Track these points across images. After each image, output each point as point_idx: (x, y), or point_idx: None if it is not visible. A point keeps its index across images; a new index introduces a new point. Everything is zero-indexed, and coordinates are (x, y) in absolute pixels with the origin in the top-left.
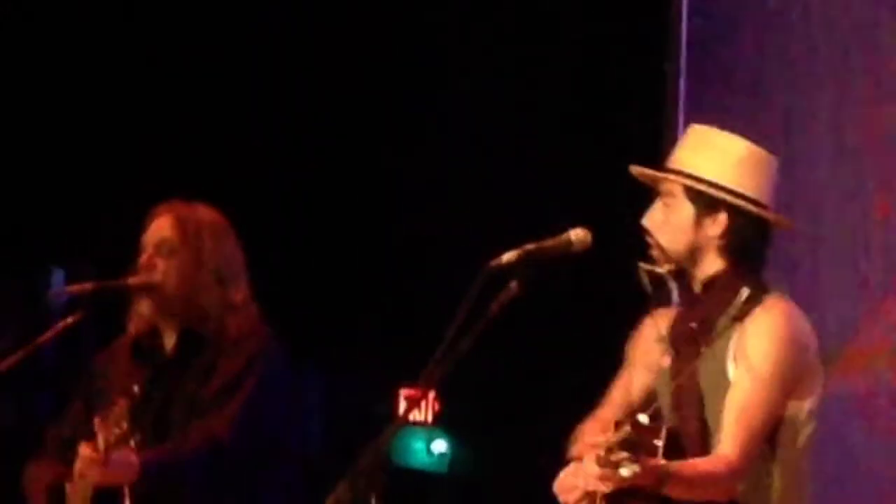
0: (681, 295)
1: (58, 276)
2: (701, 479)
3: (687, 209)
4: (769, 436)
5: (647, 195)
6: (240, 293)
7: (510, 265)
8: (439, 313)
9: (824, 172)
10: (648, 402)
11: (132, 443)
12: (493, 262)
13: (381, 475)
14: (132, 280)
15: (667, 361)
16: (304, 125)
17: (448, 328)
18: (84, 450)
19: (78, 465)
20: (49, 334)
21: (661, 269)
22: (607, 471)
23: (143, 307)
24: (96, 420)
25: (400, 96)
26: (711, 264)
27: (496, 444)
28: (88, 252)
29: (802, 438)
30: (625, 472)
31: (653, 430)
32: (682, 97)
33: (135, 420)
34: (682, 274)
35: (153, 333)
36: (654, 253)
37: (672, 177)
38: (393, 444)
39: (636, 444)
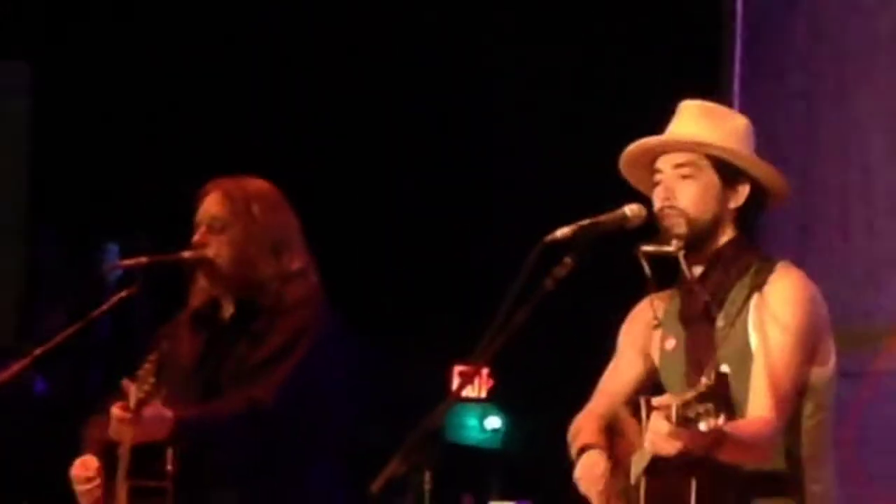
0: (686, 273)
1: (112, 250)
2: (748, 440)
3: (714, 180)
4: (797, 400)
5: None
6: (296, 261)
7: (565, 240)
8: (494, 289)
9: (879, 140)
10: (646, 387)
11: (159, 400)
12: (549, 237)
13: (435, 450)
14: (186, 254)
15: (671, 343)
16: (362, 98)
17: (502, 304)
18: (115, 409)
19: (111, 426)
20: (103, 308)
21: (670, 248)
22: (680, 429)
23: (202, 281)
24: (126, 380)
25: (452, 64)
26: (724, 235)
27: (550, 420)
28: (143, 226)
29: (826, 405)
30: (703, 425)
31: (724, 407)
32: (738, 68)
33: (188, 384)
34: (693, 249)
35: (213, 304)
36: (672, 225)
37: (689, 150)
38: (447, 421)
39: (718, 396)
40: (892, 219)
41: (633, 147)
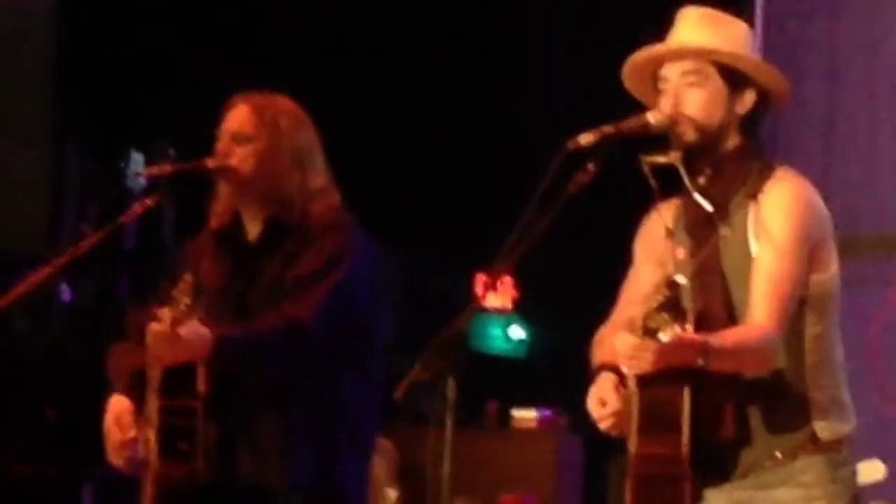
0: (689, 181)
1: (137, 158)
2: (743, 347)
3: (720, 86)
4: (797, 309)
5: None
6: (319, 179)
7: (588, 146)
8: (518, 196)
9: None
10: (670, 294)
11: (194, 317)
12: (571, 143)
13: (459, 358)
14: (210, 162)
15: (681, 252)
16: (388, 11)
17: (525, 211)
18: (153, 326)
19: (149, 341)
20: (128, 216)
21: (668, 158)
22: (646, 340)
23: (224, 192)
24: (164, 297)
25: None
26: (731, 140)
27: (574, 330)
28: (168, 135)
29: (829, 313)
30: (664, 336)
31: (681, 316)
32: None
33: (216, 305)
34: (694, 154)
35: (237, 222)
36: (688, 135)
37: (711, 55)
38: (471, 330)
39: (676, 305)
40: None
41: (638, 56)
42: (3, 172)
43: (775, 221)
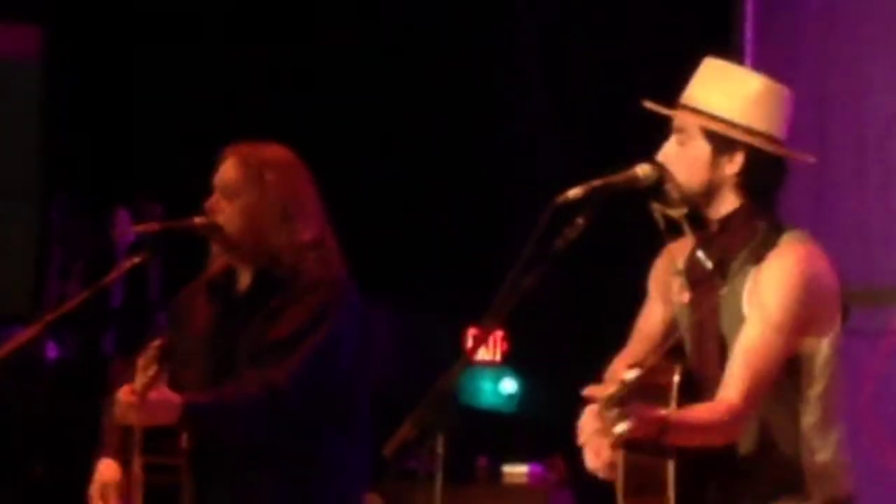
0: (696, 234)
1: (124, 216)
2: (702, 427)
3: (703, 148)
4: (782, 377)
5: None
6: (309, 231)
7: (577, 200)
8: (507, 251)
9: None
10: (668, 334)
11: (162, 383)
12: (560, 198)
13: (448, 414)
14: (197, 220)
15: (686, 297)
16: (380, 64)
17: (515, 266)
18: (120, 394)
19: (118, 409)
20: (115, 274)
21: (673, 213)
22: (605, 427)
23: (215, 248)
24: (137, 362)
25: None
26: (727, 202)
27: (565, 383)
28: (155, 193)
29: (825, 376)
30: (618, 429)
31: (669, 368)
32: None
33: (202, 355)
34: (695, 215)
35: (229, 274)
36: (669, 189)
37: (687, 115)
38: (462, 385)
39: (625, 400)
40: None
41: (646, 105)
42: None
43: (768, 295)
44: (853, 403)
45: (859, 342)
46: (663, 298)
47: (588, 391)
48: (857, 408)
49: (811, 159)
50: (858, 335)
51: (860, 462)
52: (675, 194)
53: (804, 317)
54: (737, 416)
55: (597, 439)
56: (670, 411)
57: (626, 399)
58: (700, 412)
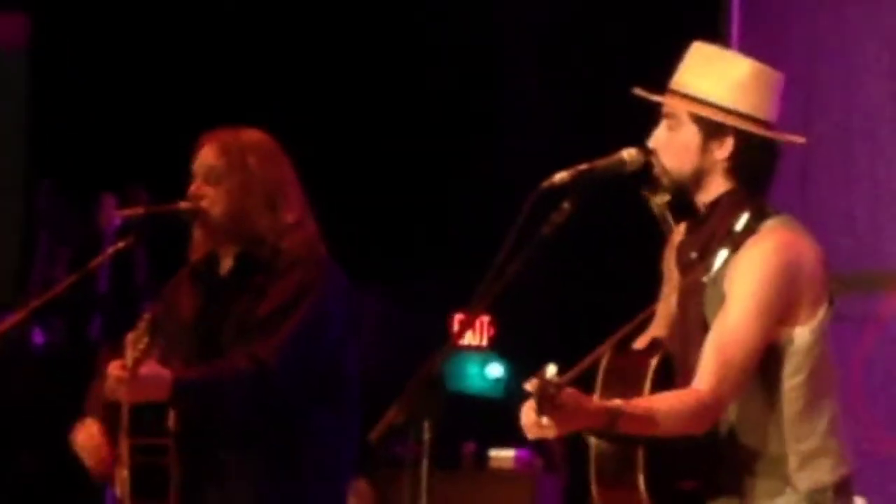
0: (682, 221)
1: (110, 201)
2: (663, 415)
3: (692, 133)
4: (764, 363)
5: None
6: (292, 214)
7: (563, 185)
8: (493, 236)
9: (881, 89)
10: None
11: (154, 359)
12: (546, 183)
13: (435, 399)
14: (182, 205)
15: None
16: (362, 47)
17: (501, 251)
18: (111, 368)
19: (108, 385)
20: (100, 259)
21: (657, 200)
22: (537, 422)
23: (198, 232)
24: (127, 338)
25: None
26: (717, 187)
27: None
28: (140, 178)
29: (806, 365)
30: (545, 429)
31: (648, 354)
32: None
33: (189, 341)
34: (683, 201)
35: (211, 258)
36: (659, 174)
37: (677, 101)
38: (448, 370)
39: (542, 399)
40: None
41: (635, 91)
42: None
43: (743, 282)
44: (841, 389)
45: (846, 328)
46: (671, 283)
47: (528, 385)
48: (844, 394)
49: (800, 140)
50: (845, 321)
51: (849, 448)
52: (664, 180)
53: (780, 305)
54: (706, 406)
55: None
56: (623, 401)
57: (541, 399)
58: (665, 399)
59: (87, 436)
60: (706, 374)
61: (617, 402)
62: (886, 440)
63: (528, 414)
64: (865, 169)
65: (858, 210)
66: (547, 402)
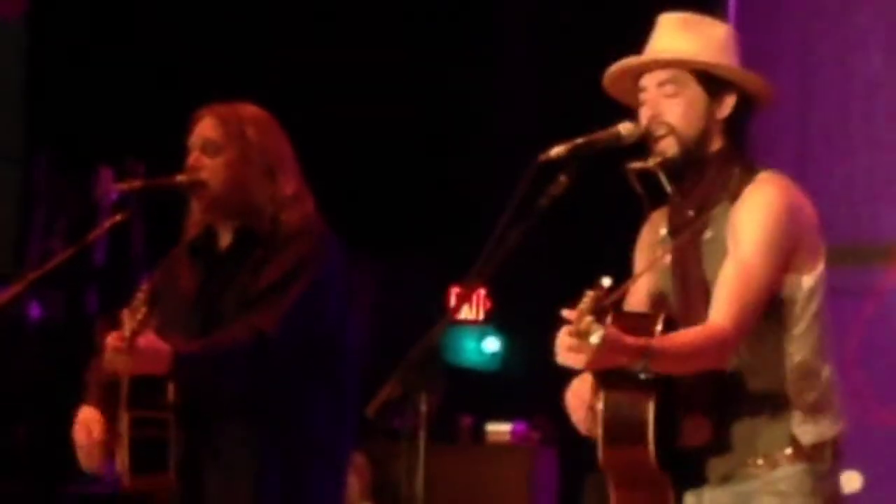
0: (673, 187)
1: (107, 174)
2: (689, 350)
3: (698, 93)
4: (767, 310)
5: None
6: (290, 186)
7: (560, 158)
8: (491, 209)
9: (878, 61)
10: (656, 304)
11: (152, 330)
12: (543, 156)
13: (432, 372)
14: (180, 177)
15: (668, 259)
16: (363, 27)
17: (498, 224)
18: (109, 339)
19: (106, 354)
20: (97, 232)
21: (649, 164)
22: (578, 341)
23: (196, 207)
24: (124, 310)
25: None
26: (713, 145)
27: (549, 342)
28: (138, 151)
29: (808, 314)
30: (594, 338)
31: (651, 317)
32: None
33: (189, 315)
34: (677, 163)
35: (209, 233)
36: (670, 149)
37: (671, 66)
38: (445, 343)
39: (603, 308)
40: (894, 133)
41: (614, 68)
42: None
43: (747, 226)
44: (838, 361)
45: (845, 301)
46: (648, 260)
47: (566, 312)
48: (842, 366)
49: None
50: (844, 294)
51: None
52: (672, 150)
53: (787, 246)
54: (726, 339)
55: (576, 391)
56: (654, 339)
57: (600, 306)
58: (689, 335)
59: (85, 434)
60: (723, 308)
61: (649, 339)
62: (884, 413)
63: (563, 339)
64: (863, 143)
65: (856, 183)
66: (603, 313)
